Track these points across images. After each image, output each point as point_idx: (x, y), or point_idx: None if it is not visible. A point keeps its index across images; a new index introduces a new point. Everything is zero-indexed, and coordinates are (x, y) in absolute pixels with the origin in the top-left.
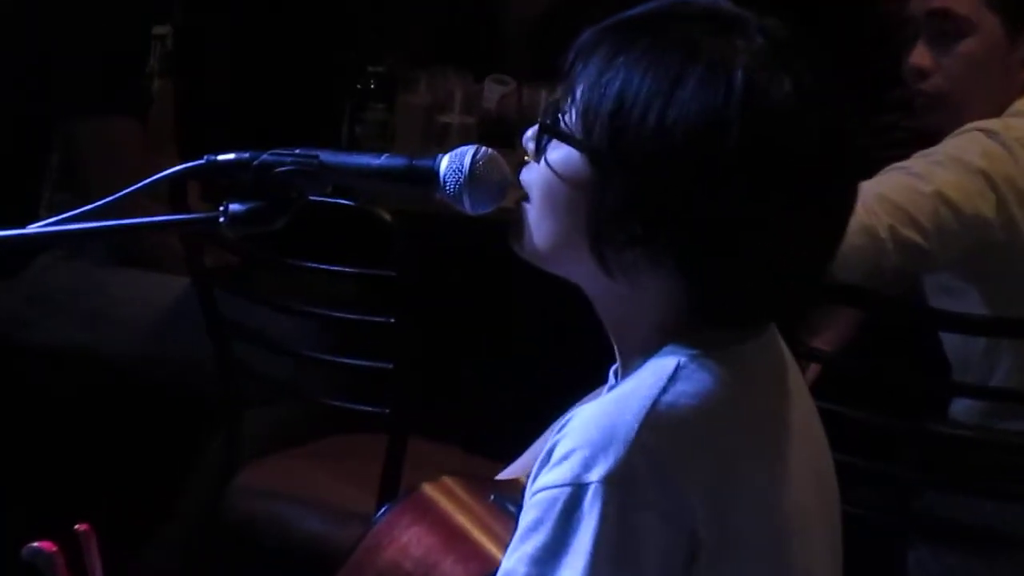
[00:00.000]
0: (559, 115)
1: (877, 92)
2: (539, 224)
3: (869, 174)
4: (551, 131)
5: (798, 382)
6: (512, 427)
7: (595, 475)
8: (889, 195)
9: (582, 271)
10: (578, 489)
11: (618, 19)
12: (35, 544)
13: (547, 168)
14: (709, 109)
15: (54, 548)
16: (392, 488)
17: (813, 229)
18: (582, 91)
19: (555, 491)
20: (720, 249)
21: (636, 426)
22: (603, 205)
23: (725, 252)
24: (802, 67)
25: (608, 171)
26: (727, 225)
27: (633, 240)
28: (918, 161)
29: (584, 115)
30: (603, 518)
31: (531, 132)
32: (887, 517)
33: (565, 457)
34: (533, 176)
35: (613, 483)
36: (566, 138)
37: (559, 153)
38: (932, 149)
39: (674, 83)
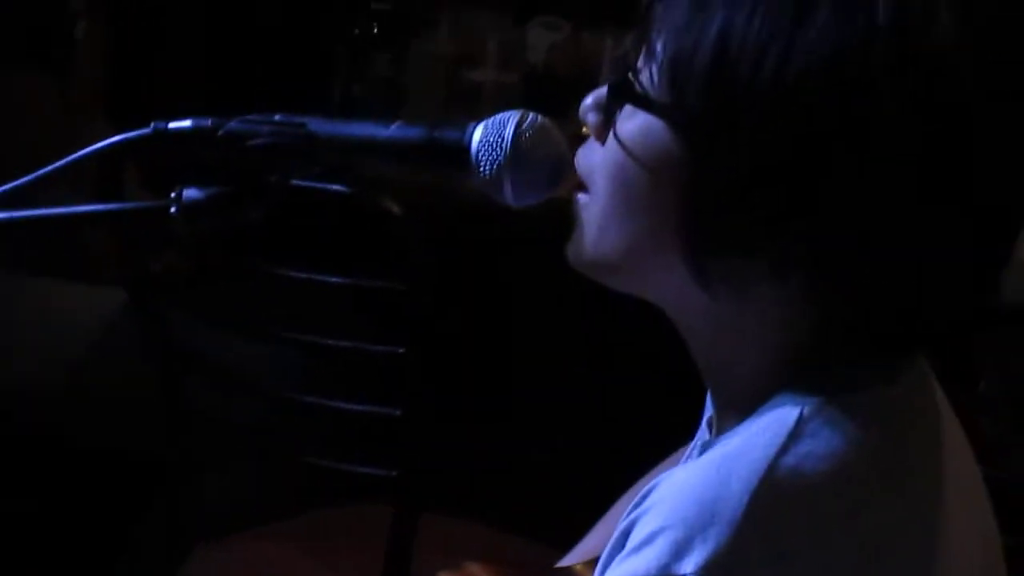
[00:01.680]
0: (633, 73)
1: None
2: (606, 223)
3: None
4: (626, 94)
5: (955, 438)
6: (563, 497)
7: (689, 565)
8: None
9: (666, 286)
10: None
11: None
12: None
13: (618, 146)
14: (845, 55)
15: None
16: None
17: (985, 219)
18: (666, 40)
19: None
20: (864, 247)
21: (746, 498)
22: (702, 194)
23: (870, 251)
24: None
25: (708, 146)
26: (874, 214)
27: (744, 242)
28: None
29: (671, 71)
30: None
31: (594, 98)
32: None
33: (648, 540)
34: (598, 159)
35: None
36: (648, 104)
37: (635, 125)
38: None
39: (794, 21)
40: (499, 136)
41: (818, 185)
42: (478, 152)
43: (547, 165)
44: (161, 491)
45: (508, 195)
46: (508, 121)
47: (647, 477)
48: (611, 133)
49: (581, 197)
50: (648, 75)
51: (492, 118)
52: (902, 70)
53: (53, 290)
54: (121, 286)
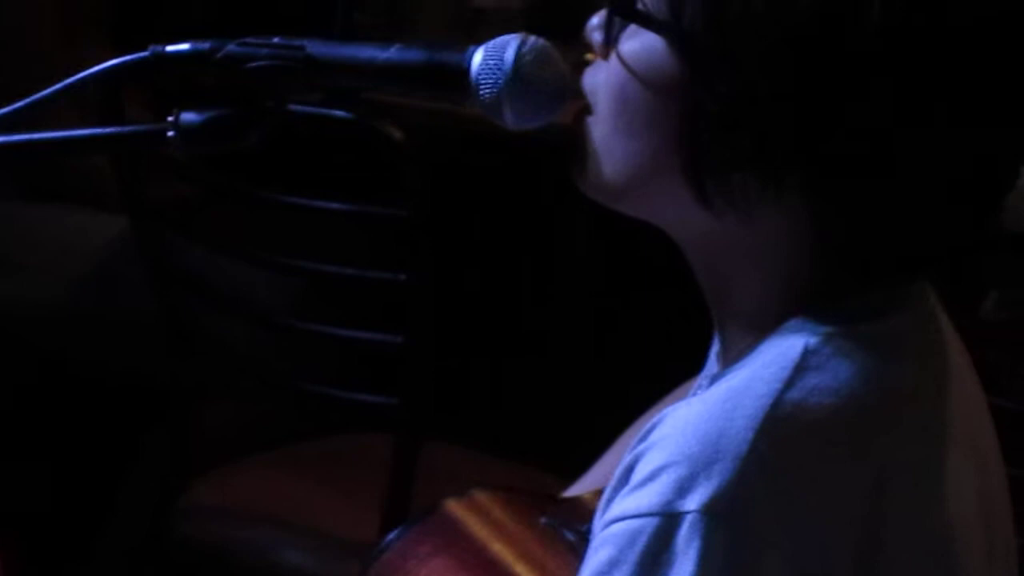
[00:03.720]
0: None
1: None
2: (610, 145)
3: None
4: (626, 13)
5: (962, 367)
6: (567, 428)
7: (693, 502)
8: None
9: (671, 208)
10: (670, 520)
11: None
12: None
13: (620, 66)
14: None
15: None
16: (401, 507)
17: (985, 138)
18: None
19: (638, 521)
20: (861, 166)
21: (751, 435)
22: (700, 112)
23: (868, 171)
24: None
25: (705, 64)
26: (870, 132)
27: (742, 159)
28: None
29: None
30: (703, 560)
31: (598, 18)
32: None
33: (652, 476)
34: (601, 78)
35: (718, 513)
36: (646, 21)
37: (637, 43)
38: None
39: None
40: (500, 59)
41: (807, 105)
42: (478, 75)
43: (548, 88)
44: (161, 418)
45: (509, 118)
46: (509, 44)
47: (654, 409)
48: (614, 52)
49: (591, 121)
50: None
51: (493, 41)
52: None
53: (56, 216)
54: (123, 212)
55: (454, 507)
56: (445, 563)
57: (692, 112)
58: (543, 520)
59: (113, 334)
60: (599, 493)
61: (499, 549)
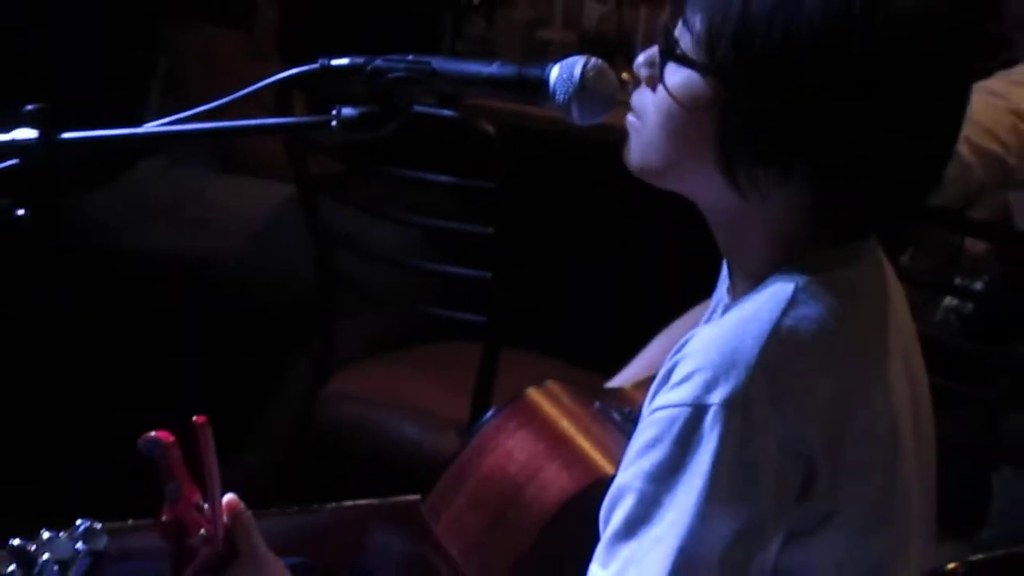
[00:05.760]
0: (675, 39)
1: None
2: (653, 143)
3: None
4: (673, 56)
5: (900, 303)
6: (611, 339)
7: (716, 398)
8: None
9: (701, 187)
10: (698, 410)
11: None
12: (152, 434)
13: (666, 94)
14: (834, 16)
15: (170, 438)
16: (485, 396)
17: (934, 135)
18: (703, 11)
19: (675, 410)
20: (852, 158)
21: (757, 350)
22: (732, 126)
23: (856, 161)
24: None
25: (733, 91)
26: (858, 133)
27: (763, 157)
28: (998, 80)
29: (707, 36)
30: (722, 441)
31: (644, 57)
32: (973, 439)
33: (686, 378)
34: (647, 100)
35: (734, 407)
36: (690, 63)
37: (679, 78)
38: (1013, 69)
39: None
40: (570, 73)
41: (814, 115)
42: (555, 85)
43: (604, 96)
44: (310, 333)
45: (576, 116)
46: (577, 62)
47: (676, 322)
48: (659, 85)
49: (632, 120)
50: (687, 41)
51: (564, 60)
52: (877, 26)
53: (239, 184)
54: (288, 182)
55: (533, 394)
56: (526, 435)
57: (724, 125)
58: (596, 404)
59: (277, 274)
60: (637, 385)
61: (566, 426)
